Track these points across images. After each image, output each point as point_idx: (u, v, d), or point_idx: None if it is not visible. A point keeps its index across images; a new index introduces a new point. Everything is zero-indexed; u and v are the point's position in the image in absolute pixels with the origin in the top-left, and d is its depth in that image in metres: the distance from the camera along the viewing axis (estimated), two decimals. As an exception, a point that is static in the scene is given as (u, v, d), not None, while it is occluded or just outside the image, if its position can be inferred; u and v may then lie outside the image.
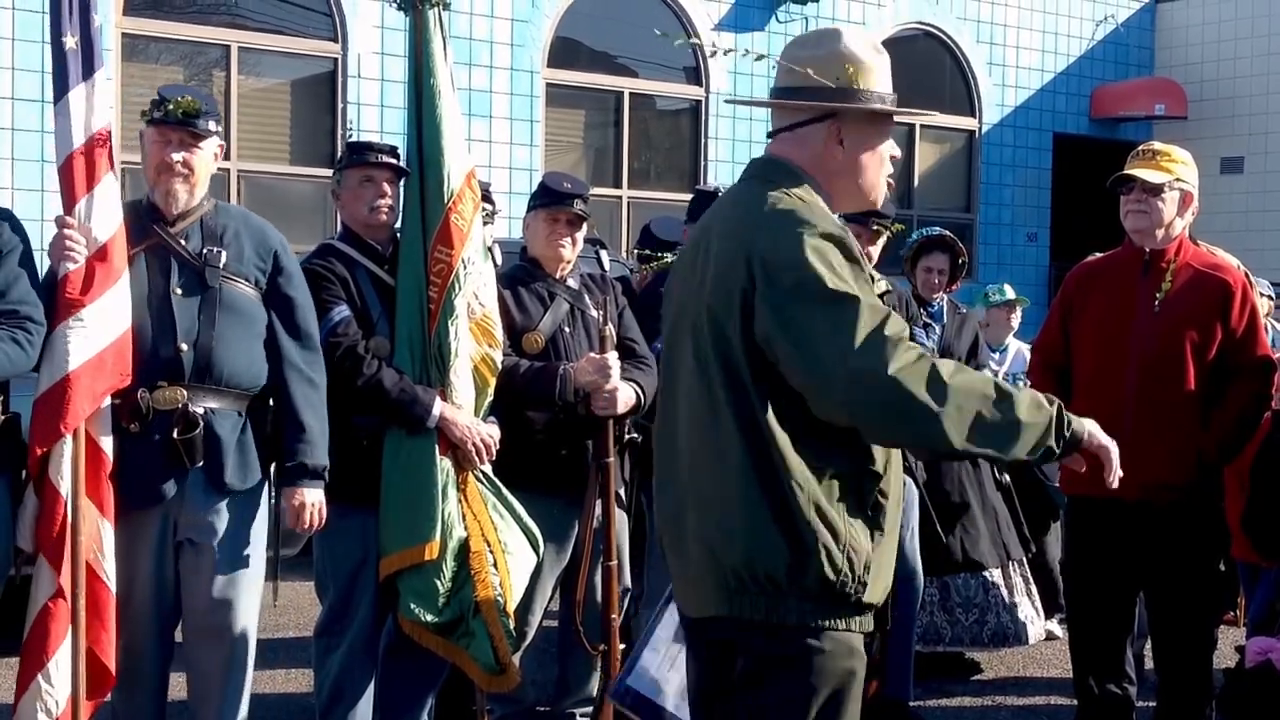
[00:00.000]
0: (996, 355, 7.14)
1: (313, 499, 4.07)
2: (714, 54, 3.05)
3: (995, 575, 5.83)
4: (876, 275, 2.92)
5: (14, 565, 3.86)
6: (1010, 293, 7.44)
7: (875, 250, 5.39)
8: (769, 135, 2.93)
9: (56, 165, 3.86)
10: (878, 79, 2.84)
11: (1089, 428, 2.77)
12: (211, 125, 3.99)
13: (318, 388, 4.08)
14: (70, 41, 3.84)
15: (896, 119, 2.93)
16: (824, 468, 2.66)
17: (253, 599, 4.08)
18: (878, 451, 2.72)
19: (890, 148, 2.92)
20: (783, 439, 2.65)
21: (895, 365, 2.56)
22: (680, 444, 2.81)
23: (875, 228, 5.31)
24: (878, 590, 2.73)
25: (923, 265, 6.19)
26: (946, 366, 2.61)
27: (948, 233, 6.35)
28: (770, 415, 2.66)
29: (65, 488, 3.72)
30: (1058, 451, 2.70)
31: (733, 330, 2.68)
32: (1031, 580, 6.02)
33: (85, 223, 3.80)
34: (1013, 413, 2.62)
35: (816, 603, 2.67)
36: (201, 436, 3.86)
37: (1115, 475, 2.82)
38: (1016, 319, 7.48)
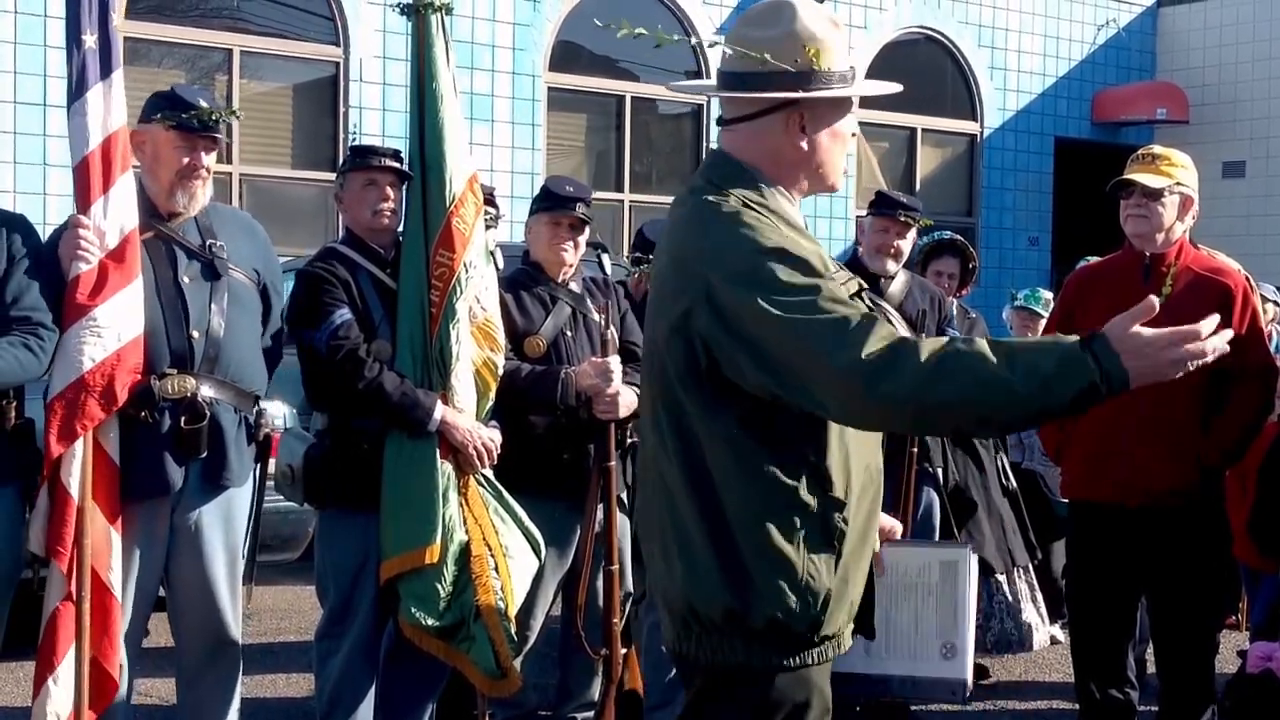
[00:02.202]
0: None
1: None
2: (712, 45, 2.79)
3: (1000, 581, 5.82)
4: (844, 273, 2.62)
5: (32, 569, 3.86)
6: (1035, 303, 6.99)
7: (906, 243, 5.35)
8: (719, 123, 2.69)
9: (72, 165, 3.83)
10: (837, 56, 2.59)
11: (1130, 346, 2.28)
12: (223, 128, 4.04)
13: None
14: (90, 40, 3.81)
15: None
16: (781, 501, 2.48)
17: (239, 597, 4.12)
18: (837, 477, 2.53)
19: (851, 125, 2.68)
20: (728, 476, 2.49)
21: (900, 387, 2.31)
22: (643, 466, 2.71)
23: (904, 219, 5.28)
24: (839, 619, 2.58)
25: (933, 269, 6.18)
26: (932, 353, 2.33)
27: (958, 237, 6.33)
28: (713, 451, 2.49)
29: (76, 490, 3.71)
30: (1100, 396, 2.30)
31: (670, 359, 2.51)
32: (1037, 587, 6.00)
33: (100, 223, 3.78)
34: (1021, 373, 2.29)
35: (764, 644, 2.52)
36: (207, 428, 3.88)
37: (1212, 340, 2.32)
38: (1035, 330, 7.09)
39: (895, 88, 2.82)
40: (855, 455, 2.60)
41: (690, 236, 2.55)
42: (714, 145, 2.81)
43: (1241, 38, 15.99)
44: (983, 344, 2.36)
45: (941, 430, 2.48)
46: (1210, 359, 2.32)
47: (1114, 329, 2.31)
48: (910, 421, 2.49)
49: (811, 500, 2.50)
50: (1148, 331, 2.30)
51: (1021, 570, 5.92)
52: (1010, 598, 5.83)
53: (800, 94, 2.56)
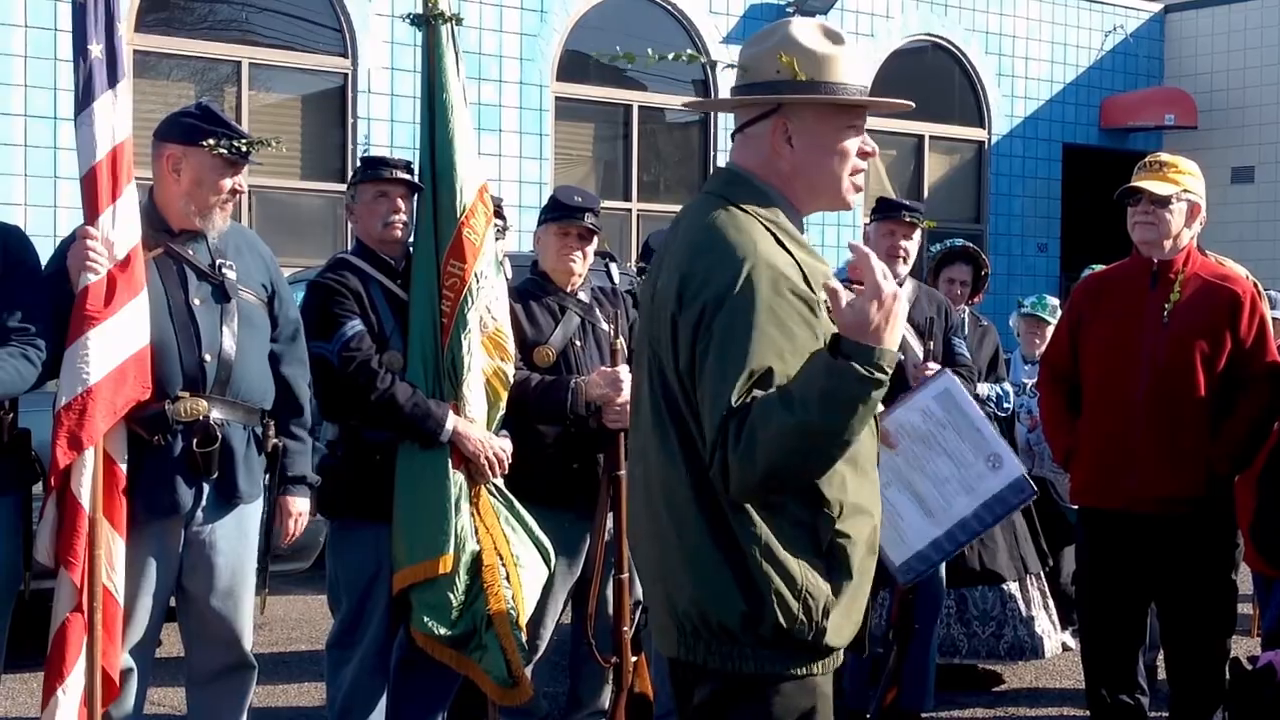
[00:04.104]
0: (1028, 367, 6.94)
1: (301, 508, 4.18)
2: (716, 65, 2.89)
3: (1013, 588, 5.81)
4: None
5: (24, 581, 3.87)
6: (1042, 310, 6.84)
7: (913, 244, 5.36)
8: (733, 137, 2.75)
9: (79, 175, 3.82)
10: (829, 69, 2.60)
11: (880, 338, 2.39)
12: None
13: (308, 399, 4.18)
14: (96, 50, 3.80)
15: (873, 113, 2.72)
16: (776, 511, 2.52)
17: (251, 610, 4.14)
18: (832, 495, 2.55)
19: (857, 144, 2.68)
20: None
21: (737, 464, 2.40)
22: (637, 473, 2.72)
23: (909, 220, 5.29)
24: (845, 633, 2.61)
25: (945, 276, 6.17)
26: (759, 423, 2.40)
27: (970, 244, 6.34)
28: None
29: (87, 501, 3.71)
30: (877, 380, 2.38)
31: (668, 364, 2.55)
32: (1049, 594, 6.00)
33: (109, 234, 3.77)
34: (812, 402, 2.37)
35: (774, 649, 2.55)
36: (219, 448, 3.89)
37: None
38: (1043, 337, 6.99)
39: (905, 104, 2.85)
40: (851, 477, 2.60)
41: (686, 243, 2.60)
42: (722, 154, 2.86)
43: (1250, 43, 15.99)
44: (769, 399, 2.41)
45: (792, 486, 2.50)
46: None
47: (837, 321, 2.41)
48: (757, 489, 2.48)
49: (801, 511, 2.54)
50: (846, 297, 2.40)
51: (1034, 577, 5.92)
52: (1023, 605, 5.83)
53: (773, 97, 2.60)
